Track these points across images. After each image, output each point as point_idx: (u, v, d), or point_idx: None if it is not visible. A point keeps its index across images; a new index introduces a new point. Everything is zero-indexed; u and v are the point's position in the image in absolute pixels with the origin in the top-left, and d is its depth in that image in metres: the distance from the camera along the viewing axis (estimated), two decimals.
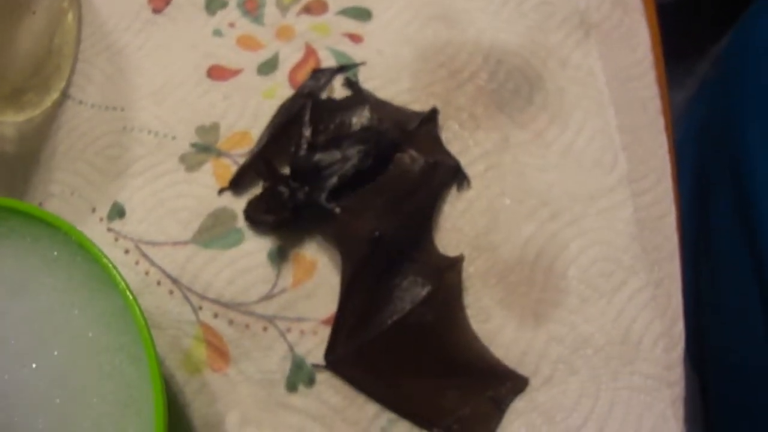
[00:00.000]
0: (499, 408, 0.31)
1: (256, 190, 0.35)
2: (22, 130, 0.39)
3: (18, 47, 0.36)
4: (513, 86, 0.37)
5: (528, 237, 0.34)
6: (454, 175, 0.35)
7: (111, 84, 0.39)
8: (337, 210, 0.32)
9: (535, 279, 0.33)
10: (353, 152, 0.33)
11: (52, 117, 0.38)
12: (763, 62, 0.43)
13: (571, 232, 0.34)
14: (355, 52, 0.38)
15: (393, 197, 0.34)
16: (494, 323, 0.33)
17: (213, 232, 0.35)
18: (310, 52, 0.38)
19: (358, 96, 0.37)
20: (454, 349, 0.32)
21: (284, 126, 0.35)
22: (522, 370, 0.32)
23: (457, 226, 0.34)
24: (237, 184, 0.35)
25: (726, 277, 0.39)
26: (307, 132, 0.34)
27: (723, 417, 0.37)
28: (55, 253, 0.31)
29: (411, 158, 0.34)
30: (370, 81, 0.37)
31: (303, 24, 0.39)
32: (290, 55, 0.38)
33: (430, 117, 0.36)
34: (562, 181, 0.35)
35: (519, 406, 0.31)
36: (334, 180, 0.33)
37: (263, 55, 0.38)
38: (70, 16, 0.40)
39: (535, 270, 0.34)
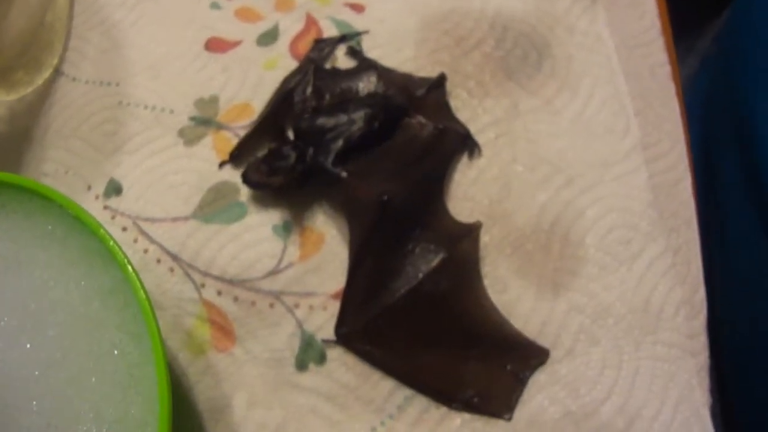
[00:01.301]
0: (519, 381, 0.29)
1: None
2: (14, 108, 0.36)
3: (10, 24, 0.33)
4: (521, 53, 0.35)
5: (542, 204, 0.32)
6: (464, 143, 0.33)
7: (105, 59, 0.36)
8: (344, 174, 0.30)
9: (552, 247, 0.31)
10: (359, 116, 0.31)
11: (44, 95, 0.36)
12: (764, 35, 0.41)
13: (586, 199, 0.32)
14: (357, 22, 0.36)
15: (401, 162, 0.31)
16: (512, 293, 0.30)
17: (214, 207, 0.32)
18: (311, 22, 0.36)
19: (363, 63, 0.34)
20: (471, 320, 0.29)
21: (287, 93, 0.33)
22: (542, 342, 0.30)
23: (469, 194, 0.32)
24: (238, 157, 0.33)
25: (737, 246, 0.37)
26: (309, 94, 0.32)
27: (736, 385, 0.35)
28: (50, 227, 0.28)
29: (419, 124, 0.32)
30: (373, 50, 0.35)
31: None
32: (291, 26, 0.36)
33: (438, 83, 0.33)
34: (574, 147, 0.33)
35: (541, 378, 0.29)
36: (339, 143, 0.30)
37: (263, 26, 0.36)
38: None
39: (552, 238, 0.31)
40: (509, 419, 0.28)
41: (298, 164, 0.30)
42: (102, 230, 0.27)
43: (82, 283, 0.27)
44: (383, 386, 0.29)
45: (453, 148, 0.32)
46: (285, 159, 0.31)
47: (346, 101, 0.32)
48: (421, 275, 0.29)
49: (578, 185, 0.32)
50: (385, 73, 0.33)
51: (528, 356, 0.29)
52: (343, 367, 0.29)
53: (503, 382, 0.29)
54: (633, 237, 0.31)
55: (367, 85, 0.33)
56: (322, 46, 0.35)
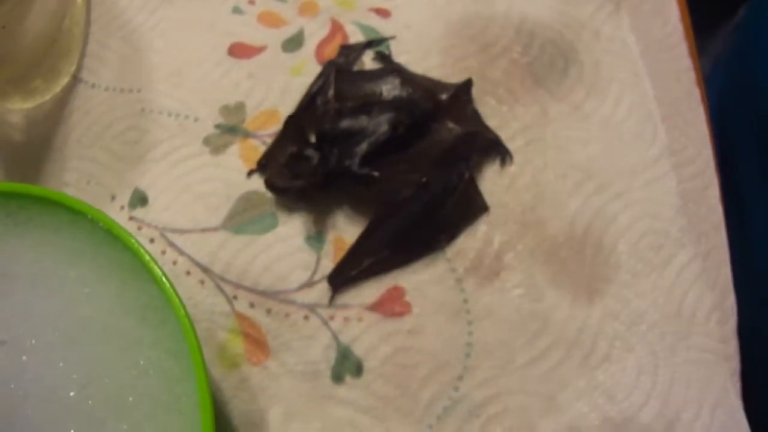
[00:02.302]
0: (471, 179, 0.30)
1: None
2: (31, 116, 0.34)
3: (27, 29, 0.31)
4: (548, 59, 0.34)
5: (575, 211, 0.31)
6: (494, 149, 0.31)
7: (126, 65, 0.34)
8: (375, 173, 0.29)
9: (585, 254, 0.30)
10: (384, 119, 0.30)
11: (63, 102, 0.34)
12: None
13: (617, 205, 0.31)
14: (383, 27, 0.34)
15: (428, 166, 0.30)
16: (548, 302, 0.29)
17: (244, 217, 0.30)
18: (336, 27, 0.34)
19: (388, 66, 0.33)
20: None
21: (310, 97, 0.31)
22: (580, 350, 0.29)
23: (502, 202, 0.31)
24: (265, 166, 0.31)
25: (759, 246, 0.36)
26: (331, 97, 0.30)
27: (760, 390, 0.34)
28: (80, 242, 0.26)
29: (447, 129, 0.31)
30: (400, 56, 0.33)
31: None
32: (316, 31, 0.34)
33: (465, 88, 0.32)
34: (604, 153, 0.32)
35: (580, 385, 0.28)
36: (364, 146, 0.29)
37: (287, 31, 0.34)
38: None
39: (585, 245, 0.30)
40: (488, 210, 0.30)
41: (321, 166, 0.29)
42: (136, 244, 0.25)
43: (116, 299, 0.26)
44: (422, 397, 0.28)
45: (482, 152, 0.31)
46: (307, 161, 0.29)
47: (370, 104, 0.31)
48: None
49: (609, 192, 0.31)
50: (410, 77, 0.32)
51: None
52: (381, 378, 0.28)
53: (467, 193, 0.30)
54: (663, 243, 0.31)
55: (391, 88, 0.32)
56: (348, 52, 0.33)
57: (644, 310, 0.29)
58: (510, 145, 0.32)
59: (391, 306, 0.29)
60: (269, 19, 0.35)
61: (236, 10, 0.35)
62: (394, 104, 0.30)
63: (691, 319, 0.30)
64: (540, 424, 0.28)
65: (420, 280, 0.29)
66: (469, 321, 0.29)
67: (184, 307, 0.24)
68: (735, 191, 0.34)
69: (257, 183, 0.31)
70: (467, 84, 0.32)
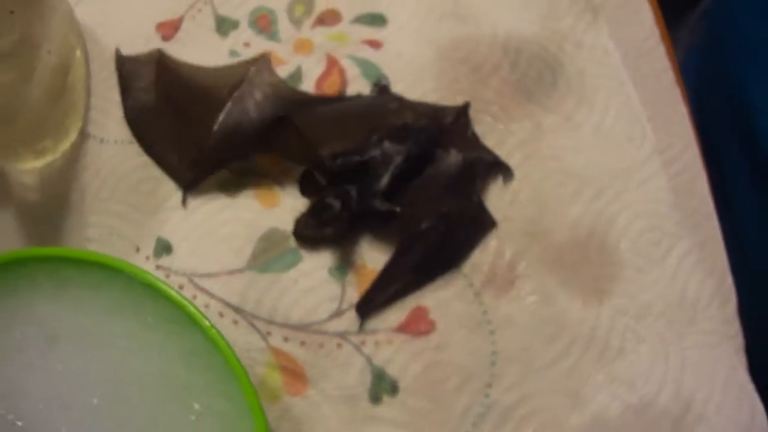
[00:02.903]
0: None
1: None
2: (44, 175, 0.35)
3: (35, 86, 0.33)
4: (535, 74, 0.36)
5: (577, 218, 0.34)
6: (495, 169, 0.34)
7: None
8: (397, 209, 0.31)
9: (591, 257, 0.33)
10: (395, 151, 0.32)
11: (73, 159, 0.35)
12: (748, 15, 0.43)
13: (615, 207, 0.34)
14: (376, 58, 0.36)
15: (438, 195, 0.33)
16: (561, 305, 0.32)
17: (268, 256, 0.33)
18: (332, 62, 0.36)
19: (380, 96, 0.35)
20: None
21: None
22: (595, 346, 0.32)
23: (507, 216, 0.33)
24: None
25: (744, 231, 0.40)
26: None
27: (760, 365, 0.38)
28: (120, 298, 0.29)
29: (451, 154, 0.33)
30: (396, 85, 0.36)
31: (319, 36, 0.37)
32: (313, 68, 0.36)
33: (464, 111, 0.35)
34: (598, 159, 0.35)
35: (599, 379, 0.31)
36: (382, 182, 0.31)
37: (286, 70, 0.36)
38: (78, 52, 0.36)
39: (589, 248, 0.33)
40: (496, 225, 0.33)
41: (345, 211, 0.31)
42: (178, 297, 0.28)
43: (162, 349, 0.28)
44: (455, 407, 0.31)
45: (485, 174, 0.34)
46: (330, 208, 0.31)
47: (379, 137, 0.33)
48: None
49: (606, 195, 0.34)
50: (411, 106, 0.35)
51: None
52: (415, 394, 0.31)
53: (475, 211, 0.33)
54: (661, 238, 0.34)
55: (395, 118, 0.34)
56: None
57: (650, 303, 0.33)
58: (509, 161, 0.34)
59: (417, 325, 0.32)
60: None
61: (233, 53, 0.37)
62: (401, 134, 0.33)
63: (694, 306, 0.33)
64: (567, 419, 0.31)
65: (441, 298, 0.32)
66: (491, 331, 0.32)
67: (232, 350, 0.27)
68: (719, 177, 0.37)
69: (277, 221, 0.33)
70: (465, 107, 0.35)
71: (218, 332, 0.27)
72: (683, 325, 0.32)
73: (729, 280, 0.33)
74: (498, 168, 0.34)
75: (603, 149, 0.35)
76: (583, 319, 0.32)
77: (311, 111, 0.34)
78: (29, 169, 0.35)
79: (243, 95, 0.33)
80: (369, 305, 0.31)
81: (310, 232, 0.32)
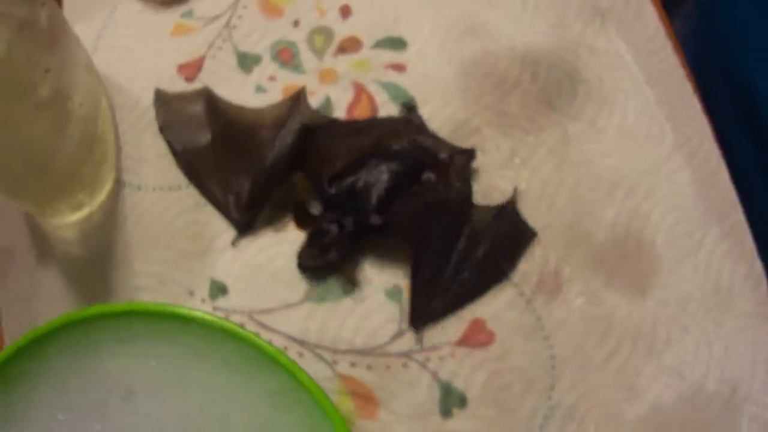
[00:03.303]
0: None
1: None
2: (84, 228, 0.36)
3: (67, 140, 0.33)
4: (556, 83, 0.38)
5: (613, 218, 0.36)
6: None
7: (166, 161, 0.37)
8: (390, 219, 0.33)
9: (630, 255, 0.35)
10: (381, 171, 0.33)
11: (112, 209, 0.36)
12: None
13: (647, 205, 0.36)
14: (402, 80, 0.38)
15: (425, 211, 0.34)
16: (608, 304, 0.34)
17: (323, 286, 0.34)
18: (359, 89, 0.38)
19: (398, 117, 0.37)
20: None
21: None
22: (644, 339, 0.34)
23: (548, 224, 0.35)
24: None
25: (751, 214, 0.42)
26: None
27: None
28: (194, 346, 0.30)
29: (432, 182, 0.35)
30: (425, 105, 0.37)
31: (343, 64, 0.38)
32: (341, 97, 0.38)
33: (466, 156, 0.36)
34: (625, 161, 0.37)
35: (650, 370, 0.33)
36: (373, 199, 0.33)
37: (315, 101, 0.37)
38: (104, 102, 0.37)
39: (628, 247, 0.35)
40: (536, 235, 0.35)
41: (343, 233, 0.33)
42: (254, 337, 0.29)
43: (244, 392, 0.29)
44: (521, 412, 0.32)
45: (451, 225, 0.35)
46: (328, 234, 0.33)
47: (365, 158, 0.34)
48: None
49: (637, 194, 0.36)
50: (415, 129, 0.36)
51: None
52: (483, 404, 0.32)
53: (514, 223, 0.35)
54: (693, 229, 0.36)
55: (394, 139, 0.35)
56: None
57: (690, 293, 0.35)
58: (543, 169, 0.36)
59: (477, 337, 0.33)
60: (294, 92, 0.38)
61: (260, 89, 0.38)
62: (387, 156, 0.34)
63: (729, 291, 0.35)
64: (626, 411, 0.33)
65: (496, 309, 0.34)
66: (546, 336, 0.34)
67: (317, 385, 0.28)
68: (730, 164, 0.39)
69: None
70: (469, 152, 0.36)
71: (300, 369, 0.28)
72: (721, 310, 0.35)
73: (758, 264, 0.36)
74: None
75: (628, 150, 0.37)
76: (629, 315, 0.34)
77: (331, 131, 0.36)
78: (68, 223, 0.36)
79: (286, 131, 0.34)
80: (420, 317, 0.33)
81: (314, 262, 0.33)
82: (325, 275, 0.34)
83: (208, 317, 0.29)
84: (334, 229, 0.33)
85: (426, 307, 0.34)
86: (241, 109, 0.37)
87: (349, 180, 0.33)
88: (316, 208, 0.35)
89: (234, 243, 0.35)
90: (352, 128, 0.37)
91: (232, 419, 0.29)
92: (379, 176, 0.33)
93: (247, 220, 0.35)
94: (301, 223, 0.35)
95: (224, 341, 0.29)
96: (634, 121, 0.38)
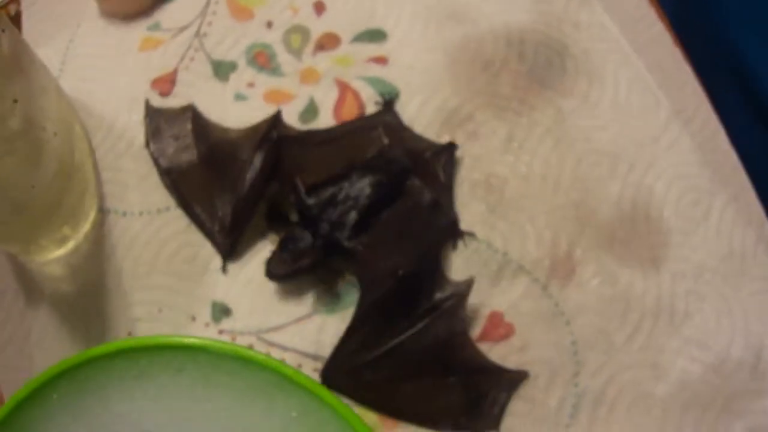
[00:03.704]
0: (498, 402, 0.31)
1: None
2: (71, 262, 0.34)
3: (43, 172, 0.32)
4: (544, 60, 0.38)
5: (618, 194, 0.35)
6: (452, 229, 0.34)
7: (150, 183, 0.35)
8: (360, 248, 0.31)
9: (639, 229, 0.35)
10: (365, 184, 0.32)
11: (99, 239, 0.34)
12: None
13: (650, 177, 0.36)
14: (386, 74, 0.37)
15: (408, 230, 0.33)
16: (623, 282, 0.34)
17: (331, 295, 0.33)
18: (343, 87, 0.37)
19: (373, 118, 0.36)
20: (450, 356, 0.32)
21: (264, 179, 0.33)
22: (664, 314, 0.33)
23: (555, 205, 0.35)
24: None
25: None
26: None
27: None
28: (207, 375, 0.28)
29: (419, 190, 0.33)
30: (413, 98, 0.36)
31: (323, 62, 0.37)
32: (325, 97, 0.36)
33: (448, 151, 0.35)
34: (622, 133, 0.36)
35: (674, 345, 0.33)
36: (352, 215, 0.32)
37: (299, 104, 0.36)
38: (77, 128, 0.35)
39: (636, 222, 0.35)
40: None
41: (317, 240, 0.31)
42: (272, 361, 0.28)
43: (267, 417, 0.28)
44: (550, 403, 0.32)
45: (443, 227, 0.34)
46: (302, 241, 0.32)
47: (349, 168, 0.33)
48: (411, 332, 0.31)
49: (639, 167, 0.36)
50: (392, 131, 0.35)
51: (501, 380, 0.32)
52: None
53: (484, 403, 0.31)
54: (699, 198, 0.36)
55: (370, 144, 0.34)
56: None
57: (703, 261, 0.34)
58: (541, 149, 0.36)
59: (496, 331, 0.33)
60: (275, 97, 0.36)
61: (239, 97, 0.37)
62: (373, 165, 0.33)
63: (742, 256, 0.35)
64: (654, 390, 0.32)
65: (512, 299, 0.33)
66: (566, 321, 0.33)
67: (342, 402, 0.27)
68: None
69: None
70: (450, 147, 0.35)
71: (321, 386, 0.27)
72: (736, 276, 0.34)
73: (767, 226, 0.36)
74: (453, 230, 0.34)
75: (624, 123, 0.37)
76: (646, 290, 0.34)
77: (307, 140, 0.35)
78: (54, 259, 0.34)
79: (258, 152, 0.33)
80: (333, 371, 0.31)
81: (286, 268, 0.32)
82: (294, 280, 0.33)
83: (222, 345, 0.28)
84: (306, 236, 0.32)
85: (349, 359, 0.31)
86: (224, 131, 0.35)
87: (330, 191, 0.32)
88: (293, 216, 0.33)
89: (224, 269, 0.33)
90: (326, 136, 0.35)
91: None
92: (362, 191, 0.32)
93: (229, 244, 0.33)
94: (272, 225, 0.34)
95: (237, 368, 0.28)
96: (627, 92, 0.37)
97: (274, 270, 0.32)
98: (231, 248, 0.34)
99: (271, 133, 0.34)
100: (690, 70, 0.38)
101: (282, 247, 0.32)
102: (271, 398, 0.28)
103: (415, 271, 0.31)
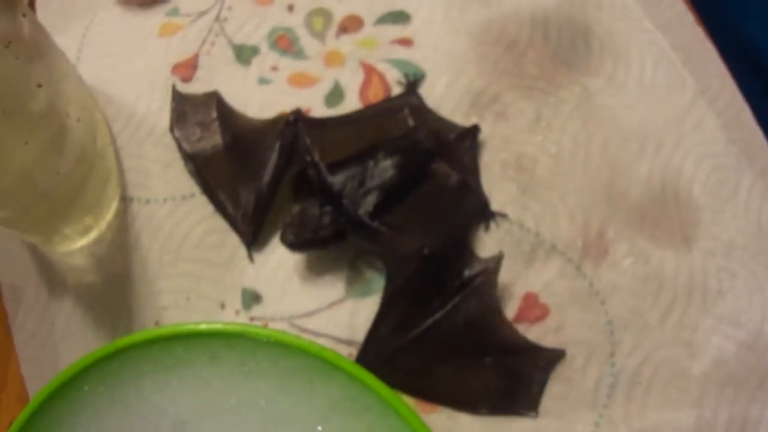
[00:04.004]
0: (536, 382, 0.31)
1: None
2: (95, 252, 0.34)
3: (67, 159, 0.31)
4: (568, 41, 0.37)
5: (647, 174, 0.35)
6: (482, 210, 0.34)
7: (173, 170, 0.35)
8: (383, 229, 0.31)
9: (669, 209, 0.35)
10: (389, 164, 0.32)
11: (123, 227, 0.34)
12: None
13: (678, 156, 0.36)
14: (411, 56, 0.37)
15: (433, 213, 0.33)
16: (655, 260, 0.34)
17: (364, 278, 0.33)
18: (369, 69, 0.36)
19: (397, 100, 0.35)
20: (485, 335, 0.32)
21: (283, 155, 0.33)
22: (697, 292, 0.33)
23: (585, 185, 0.34)
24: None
25: None
26: (312, 150, 0.32)
27: None
28: (244, 361, 0.28)
29: (445, 173, 0.33)
30: (439, 79, 0.36)
31: (347, 44, 0.37)
32: (351, 80, 0.36)
33: (472, 134, 0.35)
34: (649, 112, 0.36)
35: (708, 323, 0.33)
36: (375, 195, 0.31)
37: (324, 87, 0.36)
38: (98, 115, 0.35)
39: (666, 201, 0.35)
40: (535, 417, 0.31)
41: (341, 216, 0.31)
42: (313, 345, 0.27)
43: (308, 404, 0.27)
44: (587, 384, 0.32)
45: (471, 207, 0.34)
46: (323, 215, 0.31)
47: (373, 148, 0.32)
48: (442, 312, 0.30)
49: (667, 146, 0.36)
50: (417, 113, 0.34)
51: (538, 359, 0.32)
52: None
53: (522, 384, 0.31)
54: (727, 175, 0.36)
55: (396, 125, 0.33)
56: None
57: (733, 239, 0.34)
58: (569, 129, 0.35)
59: (532, 312, 0.32)
60: (300, 80, 0.36)
61: (263, 81, 0.36)
62: (398, 145, 0.32)
63: None
64: (690, 368, 0.32)
65: (546, 279, 0.33)
66: (601, 301, 0.33)
67: (387, 387, 0.27)
68: None
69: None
70: (474, 130, 0.35)
71: (364, 371, 0.27)
72: (766, 253, 0.34)
73: None
74: (484, 212, 0.34)
75: (651, 102, 0.37)
76: (678, 269, 0.34)
77: (327, 123, 0.34)
78: (77, 249, 0.34)
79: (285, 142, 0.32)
80: (368, 360, 0.31)
81: (302, 237, 0.31)
82: (313, 249, 0.32)
83: (260, 330, 0.27)
84: (328, 211, 0.31)
85: (384, 344, 0.31)
86: (248, 119, 0.35)
87: (353, 170, 0.32)
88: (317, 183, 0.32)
89: (249, 257, 0.33)
90: (350, 118, 0.35)
91: (298, 426, 0.28)
92: (385, 171, 0.32)
93: (252, 232, 0.33)
94: (299, 193, 0.33)
95: (275, 353, 0.28)
96: (652, 71, 0.37)
97: (292, 238, 0.31)
98: (254, 236, 0.33)
99: (294, 122, 0.33)
100: (713, 48, 0.38)
101: (300, 217, 0.31)
102: (312, 383, 0.27)
103: (442, 252, 0.31)
